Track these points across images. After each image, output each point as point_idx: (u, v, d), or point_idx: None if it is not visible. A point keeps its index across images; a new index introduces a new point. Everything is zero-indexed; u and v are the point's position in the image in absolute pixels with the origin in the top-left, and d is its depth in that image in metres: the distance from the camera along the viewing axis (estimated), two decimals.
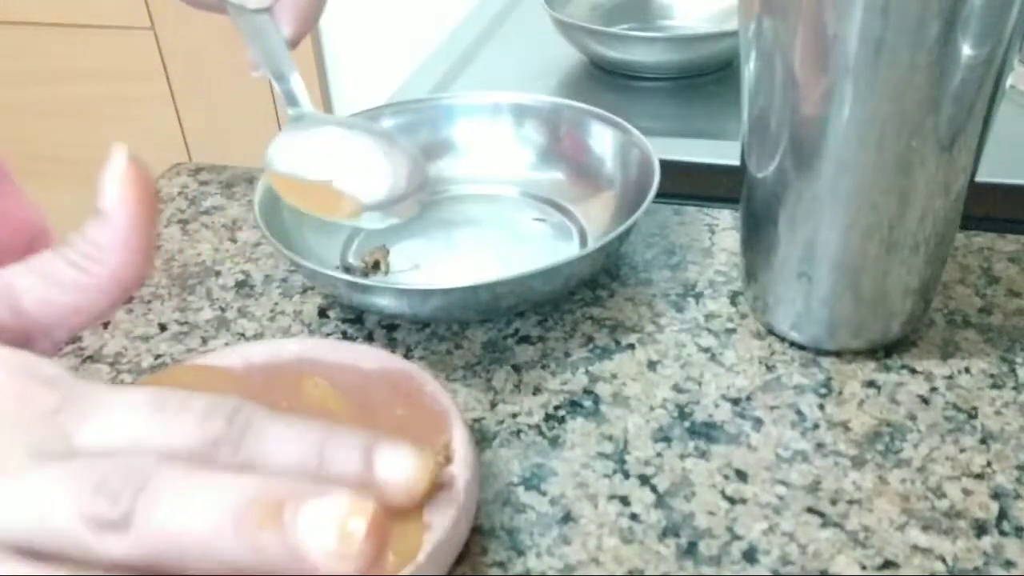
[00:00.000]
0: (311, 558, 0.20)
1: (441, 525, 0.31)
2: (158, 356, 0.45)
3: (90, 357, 0.45)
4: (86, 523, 0.21)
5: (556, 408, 0.41)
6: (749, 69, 0.38)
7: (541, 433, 0.39)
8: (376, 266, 0.49)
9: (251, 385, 0.37)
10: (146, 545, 0.21)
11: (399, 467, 0.25)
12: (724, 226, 0.52)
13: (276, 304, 0.48)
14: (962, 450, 0.38)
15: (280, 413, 0.24)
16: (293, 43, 0.44)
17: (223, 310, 0.48)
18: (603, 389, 0.41)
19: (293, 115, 0.44)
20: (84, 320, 0.26)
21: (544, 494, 0.36)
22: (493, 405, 0.41)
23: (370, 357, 0.39)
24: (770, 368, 0.42)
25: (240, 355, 0.39)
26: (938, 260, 0.40)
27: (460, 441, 0.34)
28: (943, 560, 0.33)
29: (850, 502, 0.35)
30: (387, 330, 0.46)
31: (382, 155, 0.44)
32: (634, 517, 0.35)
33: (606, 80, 0.82)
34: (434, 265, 0.49)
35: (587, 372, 0.42)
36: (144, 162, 0.26)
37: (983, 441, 0.38)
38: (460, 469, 0.33)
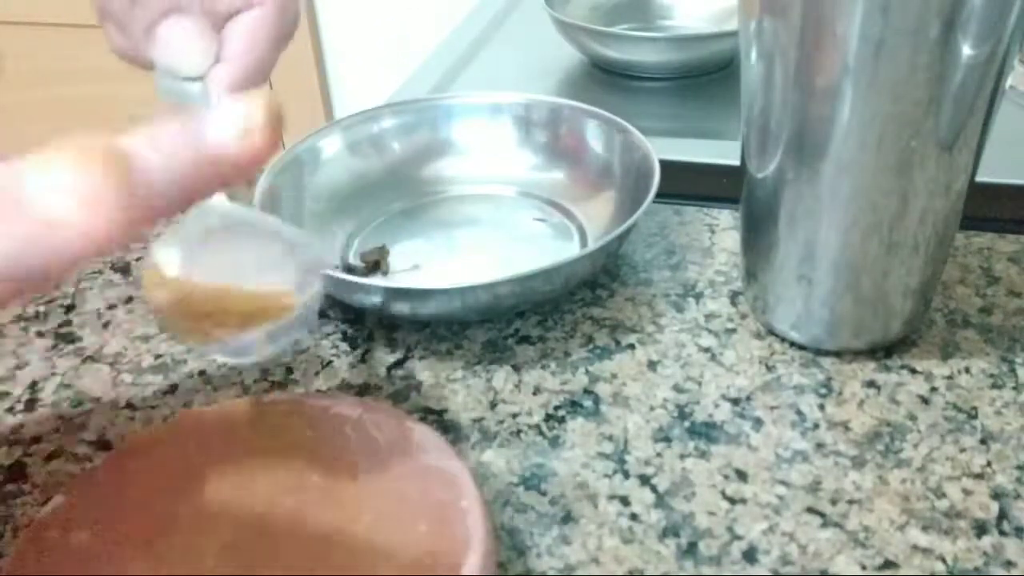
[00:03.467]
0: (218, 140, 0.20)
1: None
2: (158, 356, 0.45)
3: (90, 357, 0.45)
4: None
5: (556, 408, 0.41)
6: (749, 69, 0.38)
7: (541, 433, 0.39)
8: (376, 266, 0.49)
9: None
10: None
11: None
12: (724, 226, 0.52)
13: None
14: (962, 450, 0.37)
15: None
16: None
17: None
18: (603, 389, 0.41)
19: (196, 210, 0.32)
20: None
21: (544, 494, 0.36)
22: (493, 405, 0.41)
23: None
24: (770, 368, 0.42)
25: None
26: (938, 260, 0.40)
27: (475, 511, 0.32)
28: (943, 560, 0.33)
29: (850, 502, 0.35)
30: (387, 330, 0.46)
31: (290, 260, 0.34)
32: (634, 517, 0.35)
33: (606, 80, 0.81)
34: (434, 265, 0.49)
35: (587, 372, 0.42)
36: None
37: (983, 441, 0.38)
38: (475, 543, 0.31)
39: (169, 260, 0.31)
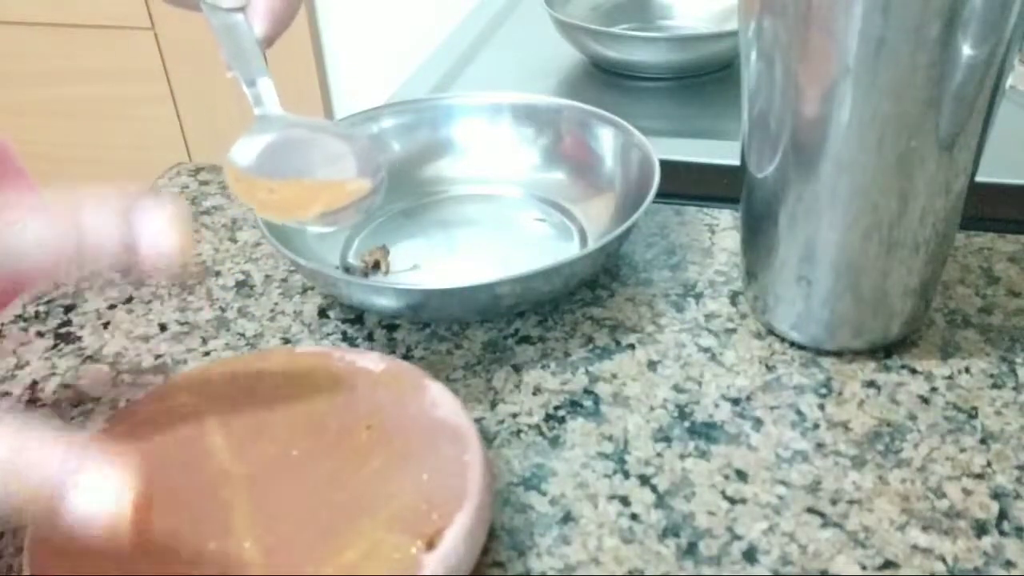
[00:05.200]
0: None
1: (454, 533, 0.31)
2: (158, 356, 0.45)
3: (90, 357, 0.45)
4: None
5: (556, 408, 0.41)
6: (749, 69, 0.38)
7: (541, 433, 0.39)
8: (376, 266, 0.49)
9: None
10: None
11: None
12: (724, 226, 0.52)
13: (276, 304, 0.48)
14: (962, 450, 0.38)
15: None
16: (267, 43, 0.44)
17: (223, 310, 0.48)
18: (603, 389, 0.41)
19: (259, 115, 0.43)
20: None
21: (544, 494, 0.36)
22: (493, 405, 0.41)
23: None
24: (770, 368, 0.42)
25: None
26: (938, 260, 0.40)
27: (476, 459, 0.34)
28: (943, 560, 0.33)
29: (850, 502, 0.35)
30: (387, 330, 0.46)
31: (350, 155, 0.43)
32: (634, 517, 0.35)
33: (606, 80, 0.81)
34: (434, 265, 0.49)
35: (587, 372, 0.42)
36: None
37: (983, 441, 0.38)
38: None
39: (245, 160, 0.41)
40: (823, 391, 0.41)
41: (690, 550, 0.34)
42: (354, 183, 0.42)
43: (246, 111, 0.42)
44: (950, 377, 0.41)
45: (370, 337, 0.45)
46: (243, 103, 0.43)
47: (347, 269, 0.49)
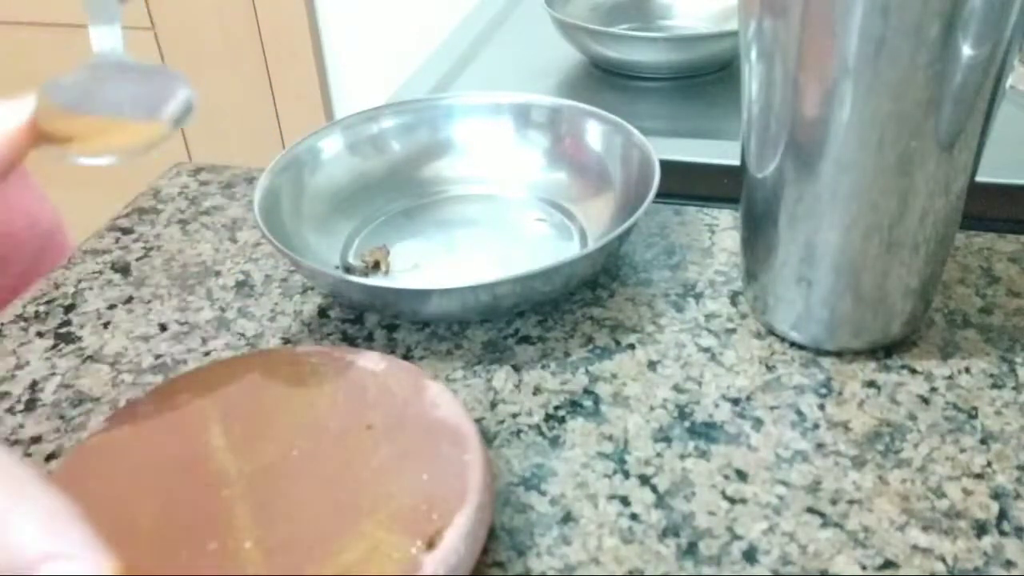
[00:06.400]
0: None
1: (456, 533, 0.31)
2: (158, 356, 0.45)
3: (90, 357, 0.45)
4: None
5: (556, 408, 0.41)
6: (749, 69, 0.38)
7: (541, 433, 0.39)
8: (376, 266, 0.49)
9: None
10: None
11: None
12: (724, 226, 0.52)
13: (276, 304, 0.48)
14: (962, 450, 0.38)
15: None
16: None
17: (223, 310, 0.48)
18: (603, 389, 0.41)
19: (95, 55, 0.43)
20: None
21: (544, 494, 0.36)
22: (493, 405, 0.41)
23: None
24: (770, 368, 0.42)
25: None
26: (938, 260, 0.40)
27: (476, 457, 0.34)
28: (943, 560, 0.33)
29: (850, 502, 0.35)
30: (387, 330, 0.46)
31: (157, 96, 0.42)
32: (634, 517, 0.35)
33: (606, 80, 0.82)
34: (434, 265, 0.49)
35: (587, 372, 0.42)
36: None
37: (983, 441, 0.38)
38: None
39: (60, 96, 0.39)
40: (823, 391, 0.41)
41: (690, 550, 0.34)
42: (152, 125, 0.41)
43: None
44: (950, 377, 0.41)
45: (370, 337, 0.45)
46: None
47: (347, 269, 0.49)
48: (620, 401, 0.41)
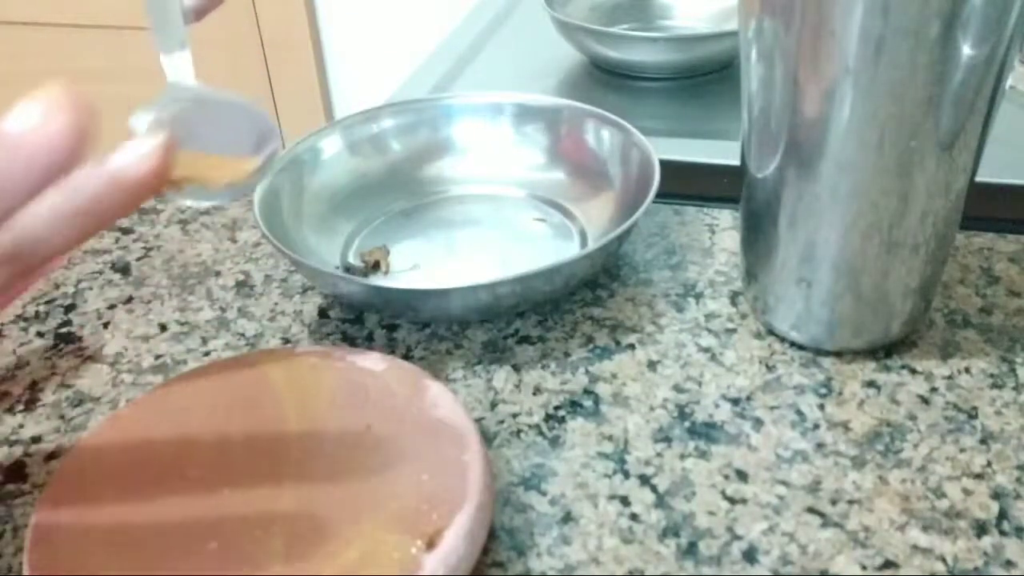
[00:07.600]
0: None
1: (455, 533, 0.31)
2: (158, 356, 0.45)
3: (90, 357, 0.45)
4: None
5: (556, 408, 0.41)
6: (749, 69, 0.38)
7: (541, 433, 0.39)
8: (376, 266, 0.49)
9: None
10: None
11: None
12: (724, 226, 0.52)
13: (276, 304, 0.48)
14: (962, 450, 0.38)
15: None
16: (196, 15, 0.43)
17: (223, 310, 0.48)
18: (603, 389, 0.41)
19: (169, 83, 0.41)
20: None
21: (544, 494, 0.36)
22: (493, 405, 0.41)
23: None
24: (770, 368, 0.42)
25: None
26: (938, 260, 0.40)
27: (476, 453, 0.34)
28: (943, 560, 0.33)
29: (850, 502, 0.35)
30: (387, 330, 0.46)
31: (249, 131, 0.40)
32: (634, 517, 0.35)
33: (606, 80, 0.81)
34: (434, 265, 0.49)
35: (587, 372, 0.42)
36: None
37: (983, 441, 0.38)
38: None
39: (145, 129, 0.38)
40: (823, 391, 0.41)
41: (690, 550, 0.34)
42: (248, 160, 0.40)
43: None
44: (950, 377, 0.41)
45: (370, 337, 0.45)
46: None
47: (347, 269, 0.49)
48: (620, 401, 0.41)
